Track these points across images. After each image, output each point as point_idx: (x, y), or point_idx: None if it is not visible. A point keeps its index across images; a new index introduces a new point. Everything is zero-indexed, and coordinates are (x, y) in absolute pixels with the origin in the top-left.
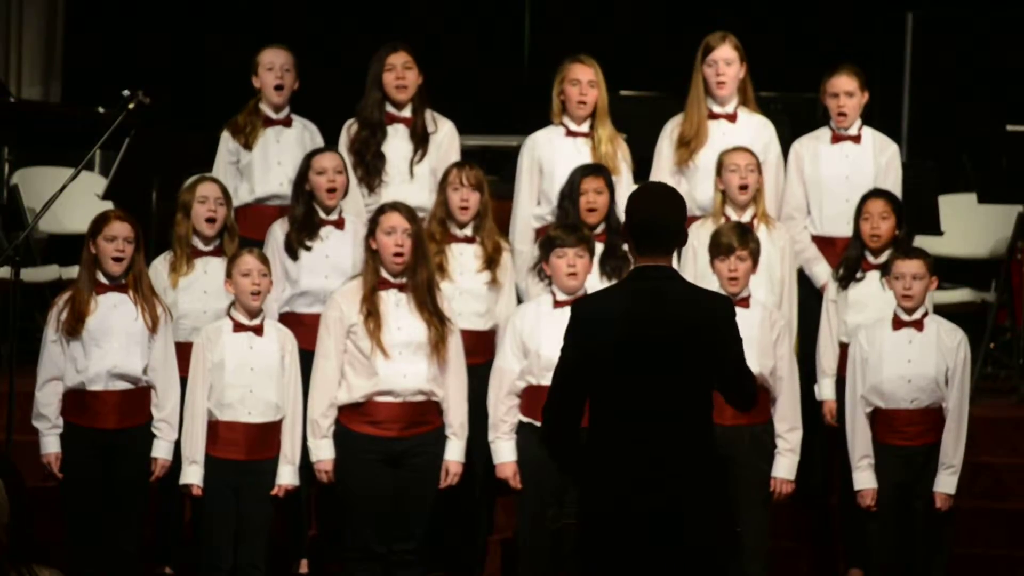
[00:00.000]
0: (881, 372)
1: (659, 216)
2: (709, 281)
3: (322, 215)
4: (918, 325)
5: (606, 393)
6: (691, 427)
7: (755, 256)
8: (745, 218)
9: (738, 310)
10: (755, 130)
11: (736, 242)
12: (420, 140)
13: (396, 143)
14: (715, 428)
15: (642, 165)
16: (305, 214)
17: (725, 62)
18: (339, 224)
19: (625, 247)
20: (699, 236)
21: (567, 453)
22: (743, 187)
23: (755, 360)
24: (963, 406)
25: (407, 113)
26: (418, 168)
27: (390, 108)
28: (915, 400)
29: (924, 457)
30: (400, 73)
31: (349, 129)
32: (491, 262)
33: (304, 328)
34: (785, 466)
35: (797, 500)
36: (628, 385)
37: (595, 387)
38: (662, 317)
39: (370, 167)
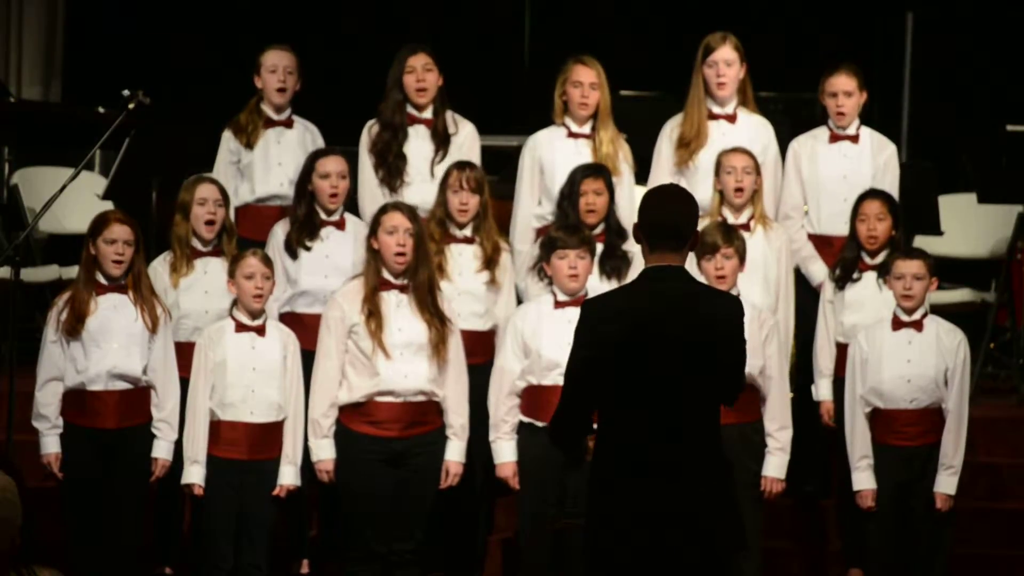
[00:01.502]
0: (881, 372)
1: (671, 216)
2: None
3: (323, 216)
4: (917, 326)
5: (616, 392)
6: (701, 426)
7: (741, 254)
8: (742, 219)
9: None
10: (754, 131)
11: (721, 240)
12: (441, 141)
13: (417, 144)
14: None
15: (642, 165)
16: (306, 214)
17: (725, 63)
18: (340, 224)
19: (625, 247)
20: None
21: (575, 448)
22: (739, 190)
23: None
24: (963, 406)
25: (428, 114)
26: (439, 168)
27: (411, 109)
28: (915, 400)
29: (924, 457)
30: (420, 75)
31: (370, 130)
32: (490, 262)
33: (304, 328)
34: (775, 465)
35: (793, 501)
36: (639, 384)
37: (605, 386)
38: (673, 317)
39: (392, 168)
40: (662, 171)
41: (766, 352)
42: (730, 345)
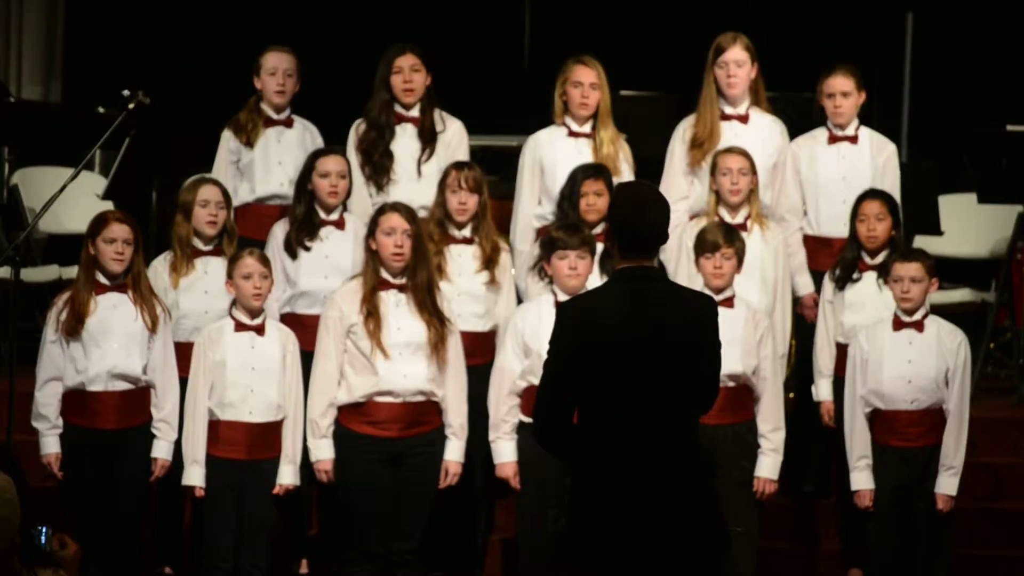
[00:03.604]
0: (881, 373)
1: (645, 219)
2: (696, 280)
3: (323, 215)
4: (918, 326)
5: (595, 394)
6: (680, 426)
7: (740, 255)
8: (739, 219)
9: (722, 310)
10: (767, 131)
11: (722, 240)
12: (428, 139)
13: (404, 142)
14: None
15: (642, 165)
16: (306, 214)
17: (736, 63)
18: (339, 224)
19: None
20: (694, 236)
21: (562, 447)
22: (734, 191)
23: (739, 360)
24: (964, 407)
25: (415, 113)
26: (426, 167)
27: (398, 108)
28: (915, 401)
29: (925, 458)
30: (407, 76)
31: (357, 129)
32: (489, 263)
33: (304, 329)
34: (768, 466)
35: (792, 501)
36: (616, 385)
37: (584, 388)
38: (649, 318)
39: (378, 166)
40: (675, 172)
41: (760, 353)
42: (705, 345)
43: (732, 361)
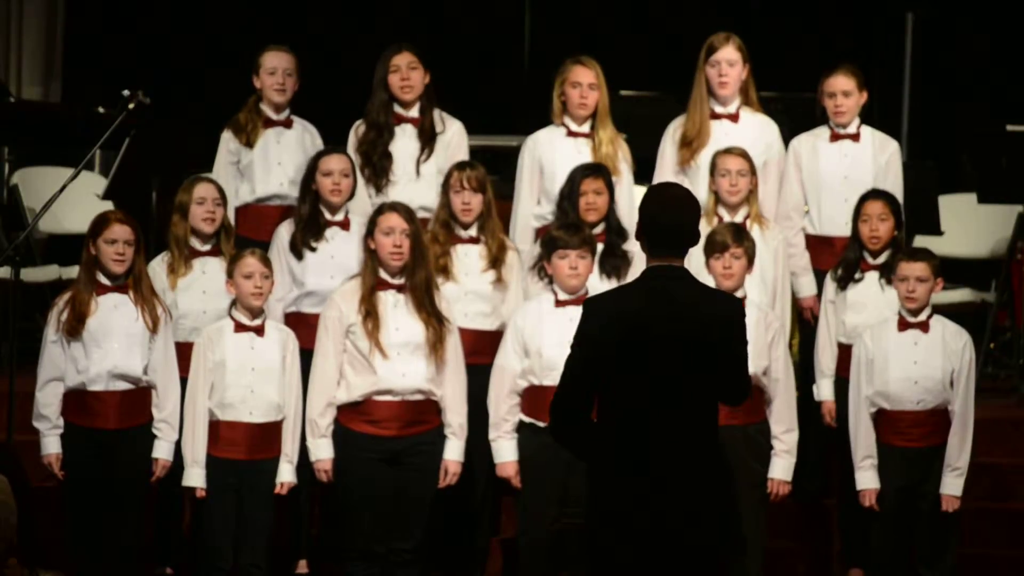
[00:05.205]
0: (887, 373)
1: (674, 218)
2: (703, 280)
3: (327, 216)
4: (923, 327)
5: (616, 391)
6: (699, 426)
7: (750, 255)
8: (738, 219)
9: None
10: (758, 129)
11: (731, 240)
12: (427, 139)
13: (403, 142)
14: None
15: (642, 165)
16: (311, 214)
17: (728, 63)
18: (344, 224)
19: (625, 247)
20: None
21: (578, 443)
22: (732, 192)
23: (751, 361)
24: (968, 408)
25: (414, 113)
26: (424, 167)
27: (397, 108)
28: (921, 402)
29: (929, 459)
30: (405, 74)
31: (357, 130)
32: (496, 262)
33: (309, 328)
34: (781, 467)
35: (795, 500)
36: (638, 383)
37: (605, 385)
38: (674, 317)
39: (377, 167)
40: (666, 171)
41: (772, 354)
42: (729, 345)
43: None
